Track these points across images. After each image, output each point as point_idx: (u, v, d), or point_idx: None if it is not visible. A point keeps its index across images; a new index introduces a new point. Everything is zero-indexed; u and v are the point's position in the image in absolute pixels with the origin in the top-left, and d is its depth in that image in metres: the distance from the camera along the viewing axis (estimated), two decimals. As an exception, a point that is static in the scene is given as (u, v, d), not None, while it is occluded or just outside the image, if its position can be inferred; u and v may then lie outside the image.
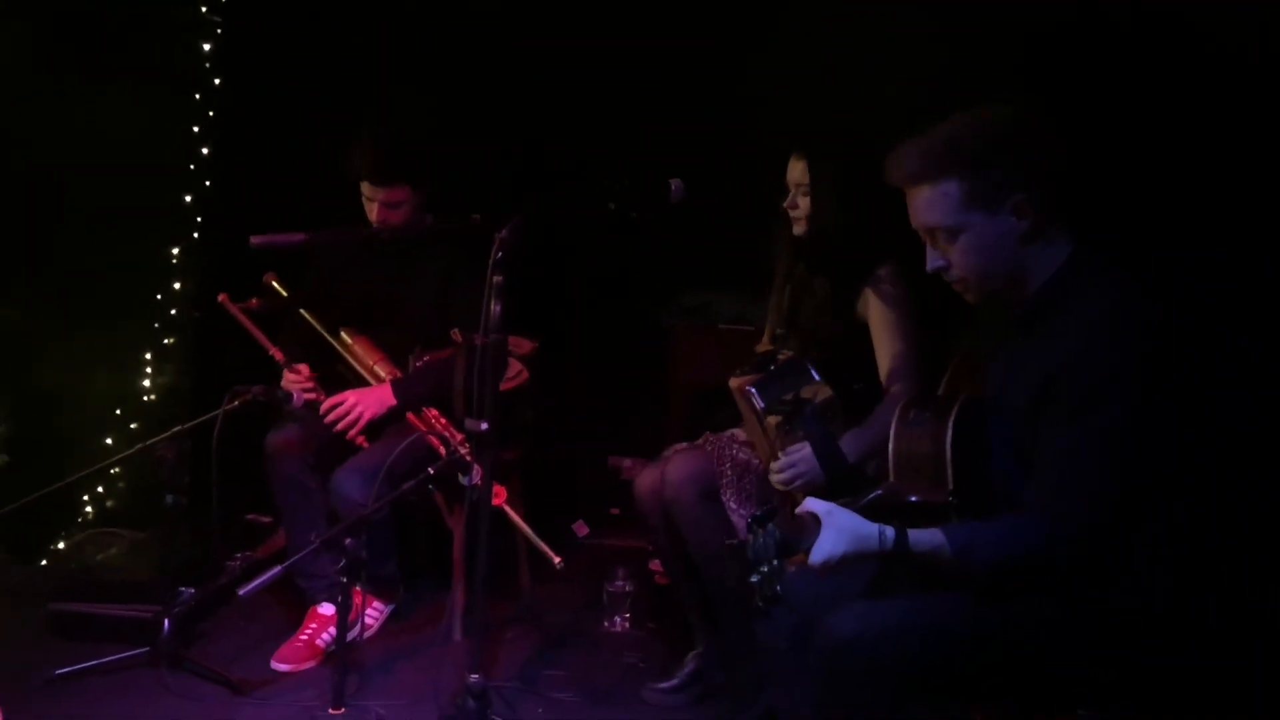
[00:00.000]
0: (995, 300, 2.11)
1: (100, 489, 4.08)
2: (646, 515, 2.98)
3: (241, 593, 2.72)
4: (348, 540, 2.77)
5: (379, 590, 3.44)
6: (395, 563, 3.45)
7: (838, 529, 1.90)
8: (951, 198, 2.01)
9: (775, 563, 1.80)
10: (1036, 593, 1.97)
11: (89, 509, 4.07)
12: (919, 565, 1.94)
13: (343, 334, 3.47)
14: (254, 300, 3.43)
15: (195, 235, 4.12)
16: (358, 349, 3.44)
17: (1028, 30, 3.16)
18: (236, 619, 3.45)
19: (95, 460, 3.70)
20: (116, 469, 4.01)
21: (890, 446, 2.12)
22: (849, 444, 2.68)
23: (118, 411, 4.07)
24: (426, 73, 4.18)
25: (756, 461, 2.88)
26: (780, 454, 2.69)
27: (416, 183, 3.33)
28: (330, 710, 2.82)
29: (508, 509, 3.09)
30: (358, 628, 3.35)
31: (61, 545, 3.92)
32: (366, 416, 3.25)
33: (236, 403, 3.11)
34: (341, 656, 2.81)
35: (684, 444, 3.04)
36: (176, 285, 4.10)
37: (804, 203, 2.90)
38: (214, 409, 3.12)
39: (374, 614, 3.46)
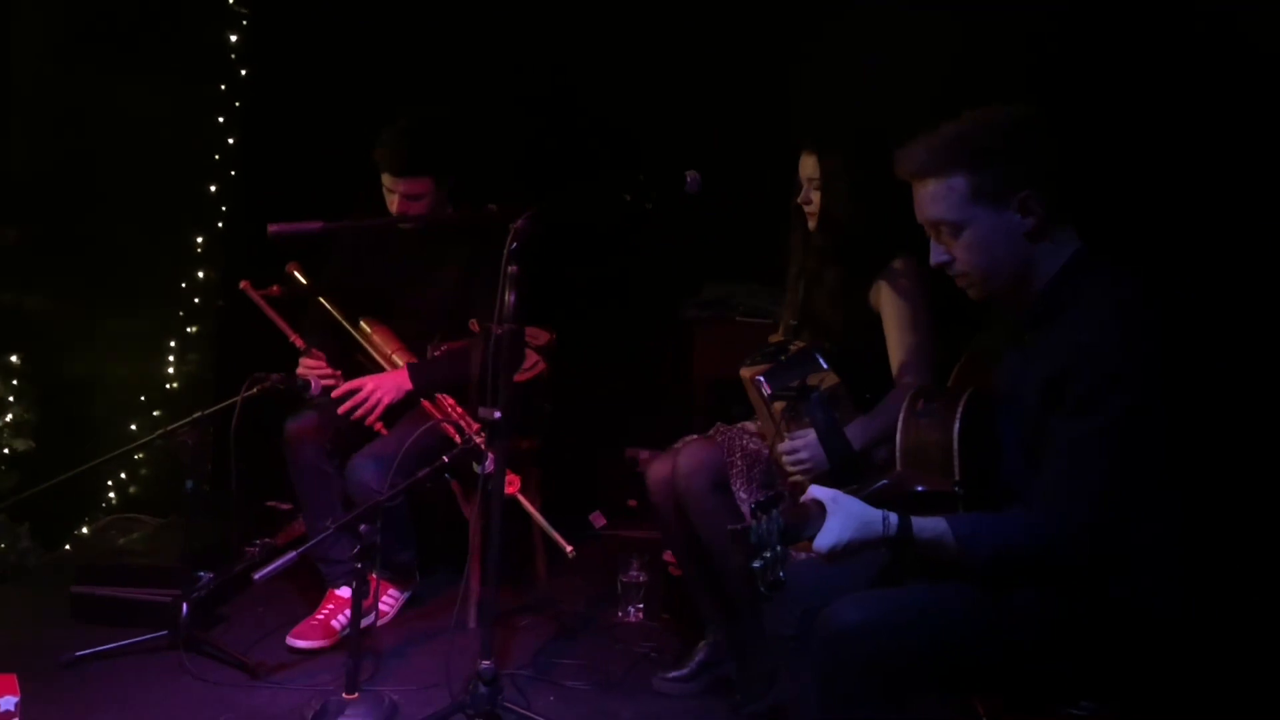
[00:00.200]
0: (998, 298, 2.11)
1: (124, 475, 4.14)
2: (658, 505, 3.00)
3: (256, 577, 2.75)
4: (363, 526, 2.80)
5: (396, 577, 3.47)
6: (413, 550, 3.48)
7: (844, 515, 1.91)
8: (957, 192, 2.02)
9: (778, 549, 1.80)
10: (1039, 586, 1.97)
11: (112, 495, 4.12)
12: (922, 553, 1.95)
13: (362, 323, 3.49)
14: (275, 287, 3.46)
15: (220, 224, 4.17)
16: (377, 338, 3.47)
17: (1037, 29, 3.16)
18: (254, 604, 3.50)
19: (119, 447, 3.76)
20: (139, 455, 4.06)
21: (898, 435, 2.12)
22: (856, 431, 2.69)
23: (142, 398, 4.12)
24: (449, 65, 4.20)
25: (766, 451, 2.89)
26: (786, 438, 2.70)
27: (437, 175, 3.35)
28: (345, 694, 2.84)
29: (521, 498, 3.12)
30: (374, 614, 3.38)
31: (85, 530, 3.98)
32: (384, 402, 3.28)
33: (255, 390, 3.14)
34: (356, 641, 2.83)
35: (695, 435, 3.06)
36: (200, 274, 4.14)
37: (816, 197, 2.91)
38: (236, 396, 3.16)
39: (390, 600, 3.49)
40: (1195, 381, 2.01)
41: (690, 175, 2.83)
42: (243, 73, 4.18)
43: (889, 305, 2.86)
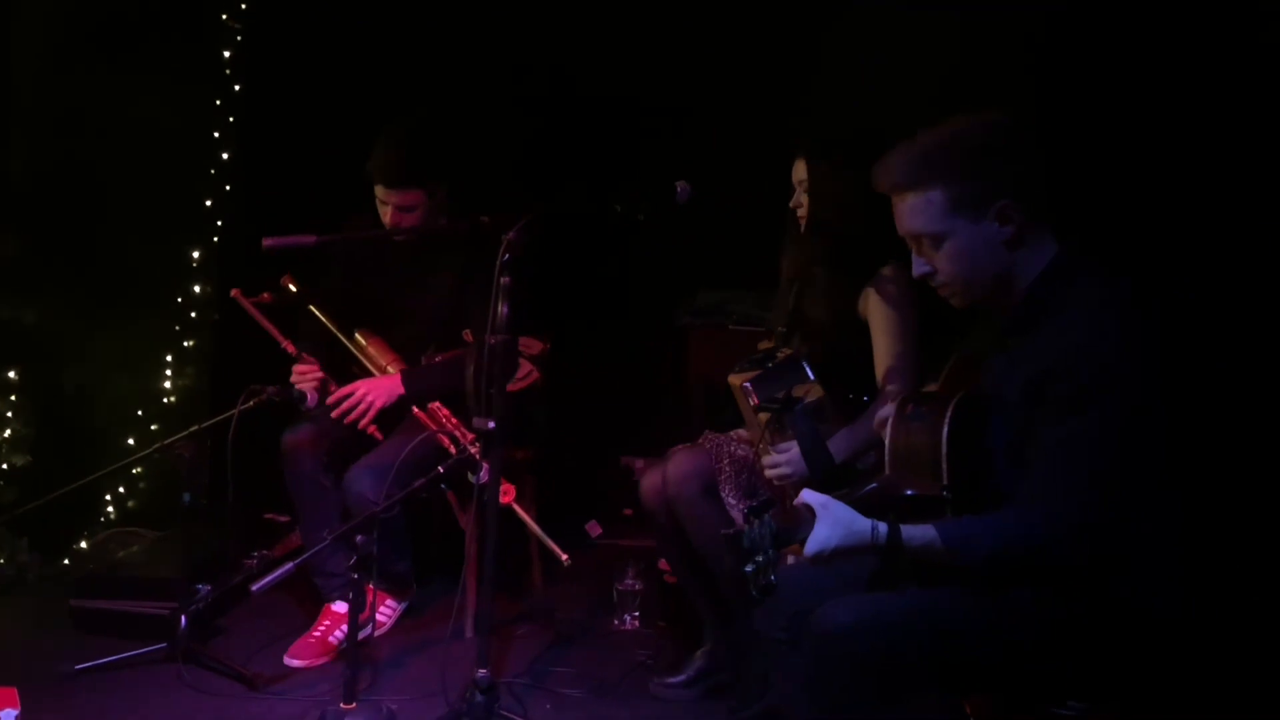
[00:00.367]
0: (982, 305, 2.13)
1: (121, 489, 4.15)
2: (652, 514, 3.02)
3: (254, 588, 2.76)
4: (359, 537, 2.81)
5: (392, 588, 3.49)
6: (409, 560, 3.49)
7: (832, 522, 1.93)
8: (936, 204, 2.04)
9: (770, 552, 1.83)
10: (1032, 586, 1.99)
11: (111, 509, 4.14)
12: (912, 560, 1.96)
13: (357, 335, 3.52)
14: (266, 295, 3.49)
15: (215, 238, 4.19)
16: (371, 349, 3.49)
17: (1031, 29, 3.18)
18: (252, 616, 3.51)
19: (117, 461, 3.78)
20: (137, 469, 4.08)
21: (887, 440, 2.15)
22: (841, 441, 2.72)
23: (139, 412, 4.14)
24: (440, 76, 4.23)
25: (754, 458, 2.91)
26: (770, 451, 2.72)
27: (429, 186, 3.37)
28: (343, 705, 2.86)
29: (516, 507, 3.13)
30: (371, 625, 3.40)
31: (84, 544, 3.99)
32: (376, 405, 3.30)
33: (252, 402, 3.16)
34: (353, 652, 2.85)
35: (685, 444, 3.08)
36: (197, 288, 4.17)
37: (805, 200, 2.94)
38: (232, 409, 3.19)
39: (387, 611, 3.50)
40: (1192, 381, 2.03)
41: (680, 185, 2.86)
42: (237, 87, 4.21)
43: (877, 312, 2.88)
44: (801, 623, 2.06)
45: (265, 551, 3.72)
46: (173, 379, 4.17)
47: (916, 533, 1.93)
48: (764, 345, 3.06)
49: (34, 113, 3.94)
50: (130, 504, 4.15)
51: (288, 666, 3.21)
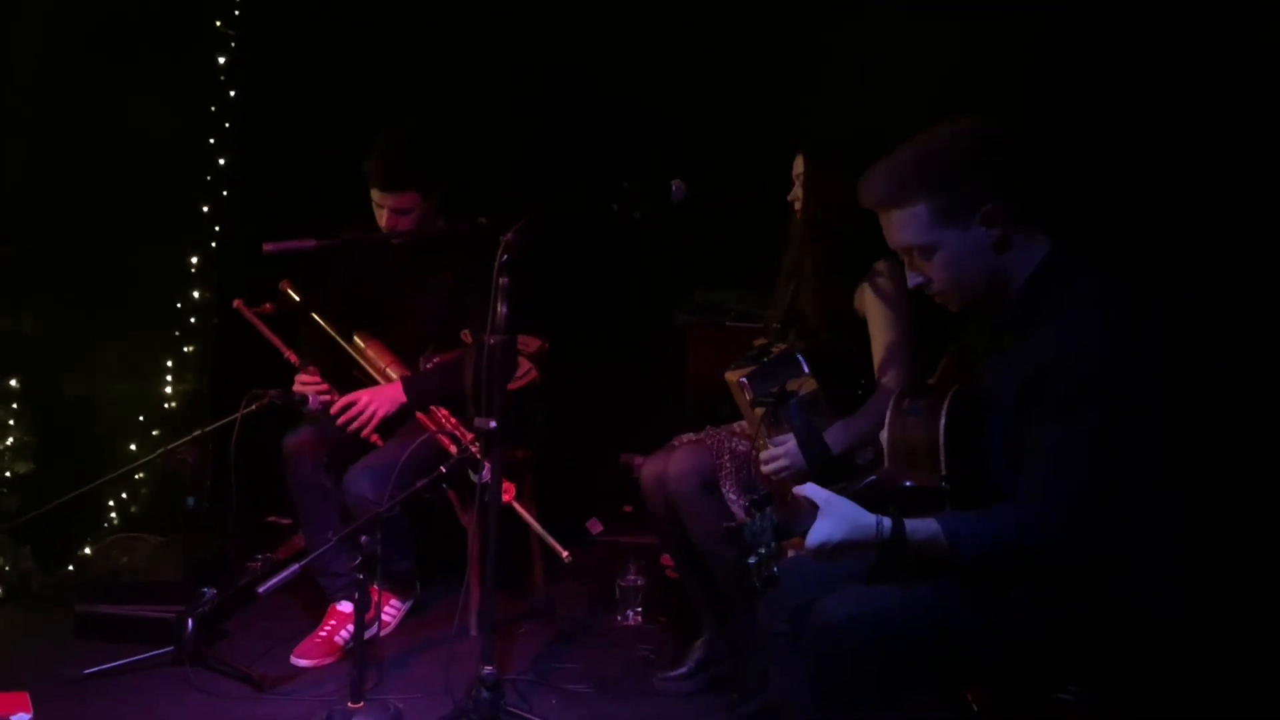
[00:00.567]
0: (978, 308, 2.16)
1: (124, 495, 4.17)
2: (651, 505, 3.06)
3: (260, 590, 2.78)
4: (363, 538, 2.84)
5: (397, 587, 3.52)
6: (413, 560, 3.52)
7: (836, 516, 1.95)
8: (921, 218, 2.06)
9: (772, 545, 1.86)
10: (1029, 584, 2.01)
11: (114, 515, 4.15)
12: (915, 554, 1.99)
13: (356, 338, 3.54)
14: (268, 305, 3.52)
15: (213, 244, 4.20)
16: (370, 352, 3.51)
17: (1018, 34, 3.21)
18: (258, 618, 3.54)
19: (119, 467, 3.80)
20: (140, 475, 4.10)
21: (886, 433, 2.17)
22: (838, 434, 2.74)
23: (140, 418, 4.15)
24: (435, 78, 4.25)
25: (753, 450, 2.94)
26: (767, 445, 2.75)
27: (425, 189, 3.40)
28: (350, 704, 2.88)
29: (516, 505, 3.15)
30: (376, 625, 3.42)
31: (87, 550, 4.01)
32: (380, 414, 3.33)
33: (254, 406, 3.19)
34: (359, 652, 2.87)
35: (690, 434, 3.11)
36: (195, 294, 4.18)
37: (801, 194, 2.97)
38: (233, 414, 3.21)
39: (392, 611, 3.53)
40: (1192, 381, 2.05)
41: (675, 184, 2.88)
42: (232, 93, 4.22)
43: (872, 307, 2.91)
44: (802, 616, 2.09)
45: (268, 554, 3.78)
46: (173, 385, 4.19)
47: (920, 527, 1.95)
48: (760, 341, 3.09)
49: (30, 120, 3.95)
50: (133, 510, 4.17)
51: (294, 667, 3.24)
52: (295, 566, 2.83)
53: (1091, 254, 2.12)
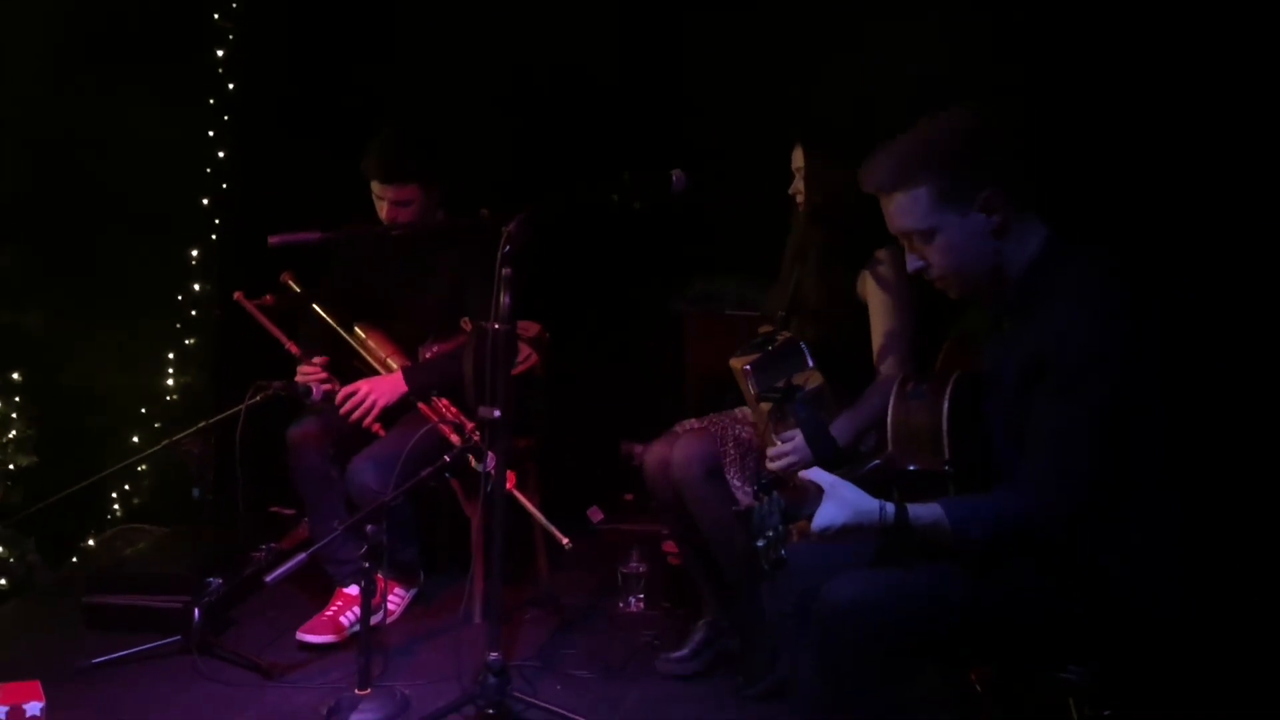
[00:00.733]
0: (977, 294, 2.19)
1: (127, 487, 4.19)
2: (656, 490, 3.09)
3: (268, 579, 2.81)
4: (369, 527, 2.87)
5: (401, 576, 3.55)
6: (416, 549, 3.55)
7: (840, 500, 1.98)
8: (922, 202, 2.10)
9: (780, 528, 1.89)
10: (1031, 572, 2.04)
11: (117, 507, 4.18)
12: (919, 539, 2.02)
13: (356, 329, 3.57)
14: (268, 296, 3.54)
15: (213, 237, 4.22)
16: (371, 343, 3.54)
17: (1018, 28, 3.24)
18: (264, 607, 3.57)
19: (121, 460, 3.83)
20: (143, 467, 4.12)
21: (889, 418, 2.21)
22: (841, 426, 2.78)
23: (142, 410, 4.18)
24: (434, 70, 4.27)
25: (758, 441, 2.97)
26: (775, 440, 2.78)
27: (424, 181, 3.42)
28: (357, 691, 2.92)
29: (517, 494, 3.17)
30: (381, 613, 3.45)
31: (91, 542, 4.03)
32: (380, 404, 3.35)
33: (259, 397, 3.22)
34: (366, 638, 2.91)
35: (694, 420, 3.14)
36: (196, 286, 4.21)
37: (803, 186, 3.00)
38: (234, 406, 3.24)
39: (396, 599, 3.56)
40: (1192, 381, 2.08)
41: (676, 174, 2.91)
42: (230, 87, 4.23)
43: (873, 295, 2.95)
44: (808, 599, 2.12)
45: (273, 544, 3.80)
46: (174, 377, 4.21)
47: (923, 511, 1.98)
48: (764, 329, 3.12)
49: (29, 117, 3.95)
50: (135, 501, 4.19)
51: (301, 656, 3.26)
52: (302, 555, 2.86)
53: (1070, 236, 2.15)
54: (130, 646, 3.19)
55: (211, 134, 4.21)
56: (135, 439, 4.12)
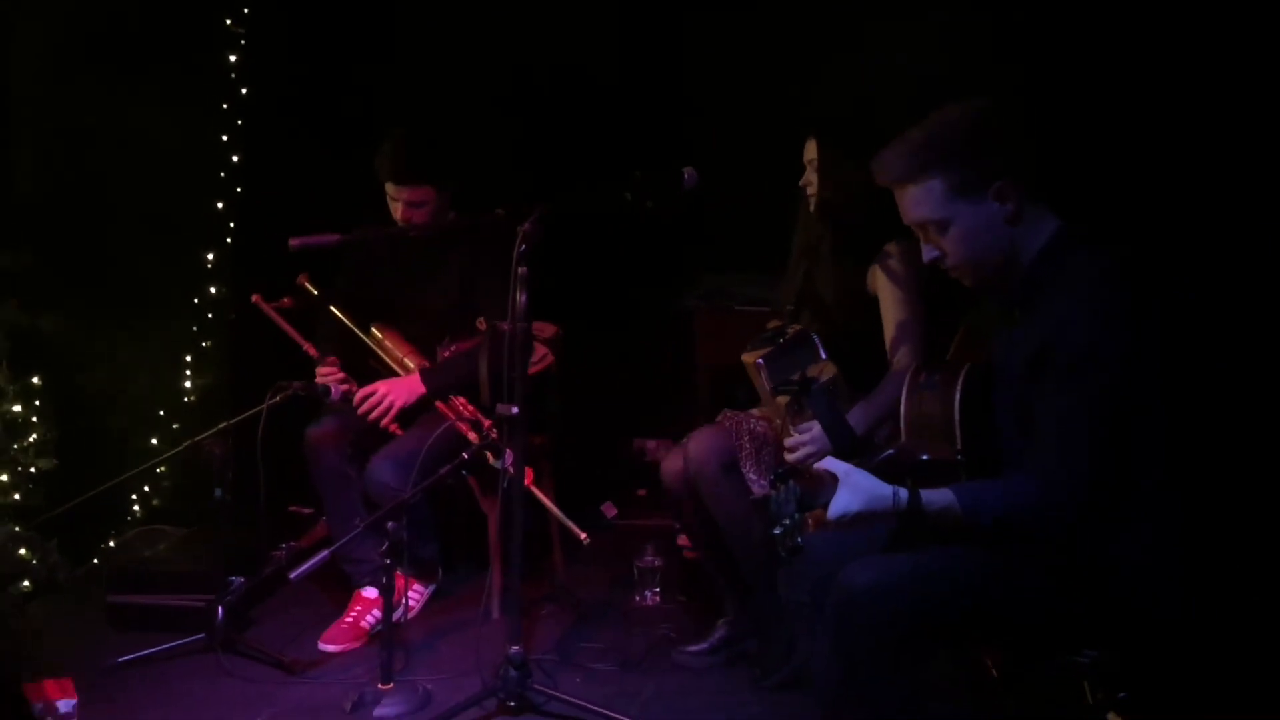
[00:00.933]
0: (991, 283, 2.22)
1: (146, 488, 4.24)
2: (674, 495, 3.12)
3: (292, 576, 2.87)
4: (390, 524, 2.91)
5: (420, 573, 3.59)
6: (436, 546, 3.60)
7: (854, 488, 2.03)
8: (936, 193, 2.14)
9: (796, 516, 1.94)
10: (1041, 547, 2.08)
11: (137, 508, 4.22)
12: (932, 524, 2.06)
13: (373, 329, 3.61)
14: (286, 299, 3.58)
15: (229, 240, 4.26)
16: (388, 343, 3.58)
17: (1025, 25, 3.26)
18: (285, 605, 3.63)
19: (140, 462, 3.87)
20: (162, 468, 4.17)
21: (902, 408, 2.25)
22: (857, 416, 2.81)
23: (160, 413, 4.22)
24: (445, 71, 4.30)
25: (773, 434, 3.01)
26: (792, 432, 2.82)
27: (439, 182, 3.47)
28: (380, 685, 2.96)
29: (535, 489, 3.21)
30: (401, 609, 3.49)
31: (111, 544, 4.08)
32: (398, 405, 3.39)
33: (279, 398, 3.27)
34: (389, 634, 2.95)
35: (704, 426, 3.18)
36: (212, 289, 4.24)
37: (815, 179, 3.04)
38: (251, 408, 3.29)
39: (415, 595, 3.61)
40: (1193, 381, 2.11)
41: (688, 172, 2.95)
42: (243, 91, 4.27)
43: (883, 287, 2.98)
44: (823, 587, 2.16)
45: (292, 543, 3.85)
46: (192, 379, 4.25)
47: (935, 497, 2.03)
48: (774, 323, 3.16)
49: (44, 124, 4.00)
50: (155, 502, 4.24)
51: (322, 652, 3.31)
52: (325, 553, 2.91)
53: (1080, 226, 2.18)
54: (155, 645, 3.24)
55: (225, 138, 4.25)
56: (154, 441, 4.16)
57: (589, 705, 2.86)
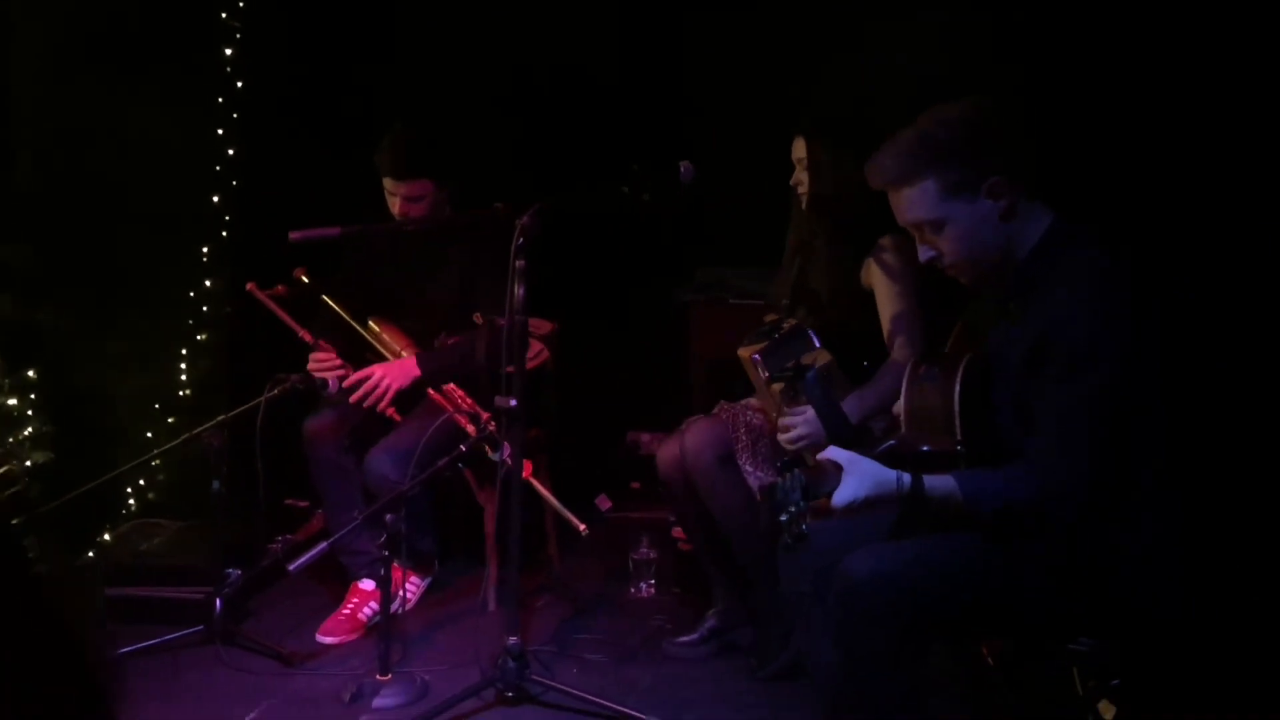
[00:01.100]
0: (988, 280, 2.25)
1: (142, 481, 4.24)
2: (669, 484, 3.15)
3: (291, 568, 2.88)
4: (388, 516, 2.93)
5: (417, 565, 3.61)
6: (433, 538, 3.61)
7: (859, 474, 2.05)
8: (930, 193, 2.16)
9: (801, 504, 1.97)
10: (1039, 537, 2.11)
11: (132, 501, 4.23)
12: (933, 509, 2.08)
13: (370, 323, 3.62)
14: (280, 287, 3.58)
15: (224, 233, 4.27)
16: (386, 336, 3.59)
17: (1016, 23, 3.29)
18: (282, 597, 3.64)
19: (136, 454, 3.87)
20: (157, 461, 4.17)
21: (903, 400, 2.27)
22: (853, 404, 2.84)
23: (156, 406, 4.22)
24: (442, 65, 4.31)
25: (769, 427, 3.03)
26: (787, 414, 2.84)
27: (436, 177, 3.47)
28: (378, 676, 2.98)
29: (534, 481, 3.24)
30: (398, 600, 3.50)
31: (107, 537, 4.08)
32: (394, 388, 3.40)
33: (277, 390, 3.28)
34: (387, 626, 2.97)
35: (701, 417, 3.20)
36: (208, 282, 4.25)
37: (805, 178, 3.06)
38: (246, 401, 3.30)
39: (412, 588, 3.62)
40: (1192, 379, 2.13)
41: (684, 165, 2.97)
42: (239, 84, 4.27)
43: (878, 281, 3.01)
44: (824, 577, 2.19)
45: (288, 536, 3.86)
46: (188, 372, 4.26)
47: (938, 483, 2.05)
48: (770, 318, 3.18)
49: (40, 118, 3.99)
50: (150, 496, 4.24)
51: (320, 644, 3.33)
52: (324, 545, 2.93)
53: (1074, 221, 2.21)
54: (153, 637, 3.25)
55: (221, 132, 4.25)
56: (149, 434, 4.17)
57: (587, 695, 2.88)
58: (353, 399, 3.41)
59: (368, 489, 3.39)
